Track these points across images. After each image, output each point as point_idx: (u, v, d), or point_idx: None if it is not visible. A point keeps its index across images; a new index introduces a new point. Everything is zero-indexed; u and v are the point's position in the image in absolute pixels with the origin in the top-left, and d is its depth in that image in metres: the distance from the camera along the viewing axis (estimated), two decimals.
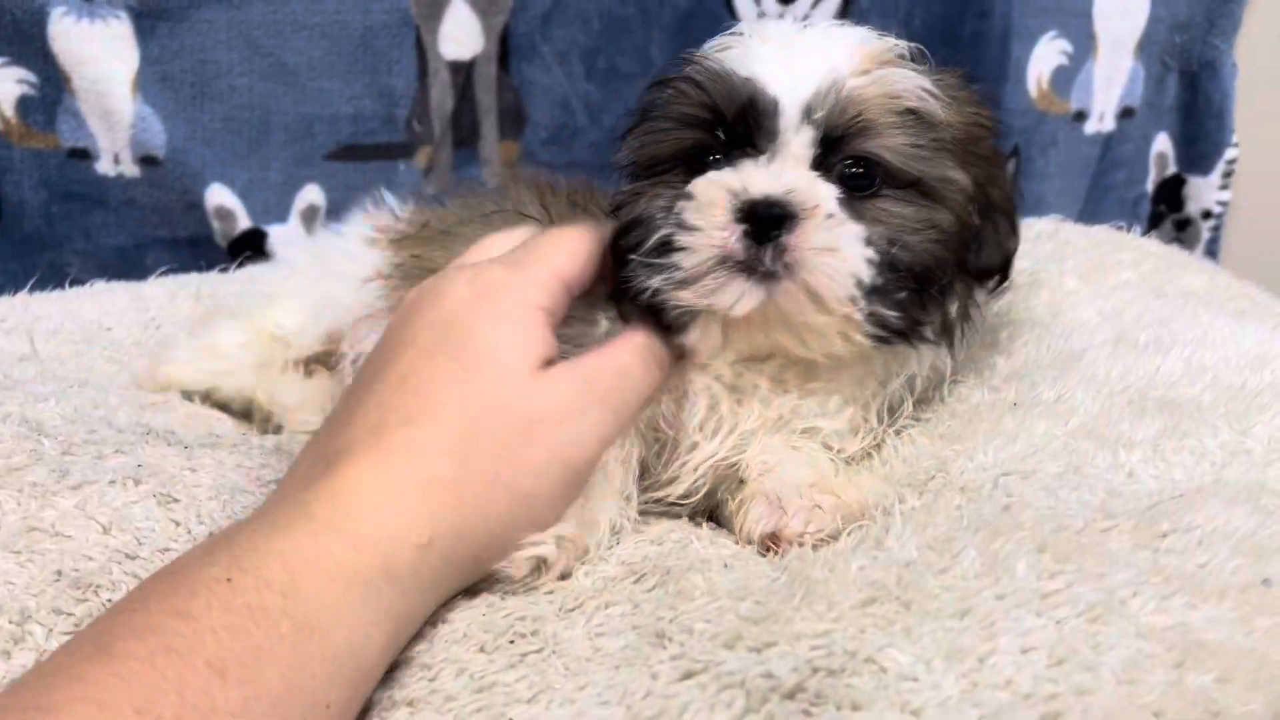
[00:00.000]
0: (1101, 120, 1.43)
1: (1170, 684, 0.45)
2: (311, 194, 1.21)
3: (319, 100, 1.17)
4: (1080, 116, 1.41)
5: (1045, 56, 1.36)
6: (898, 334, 0.64)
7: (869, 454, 0.68)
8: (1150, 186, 1.50)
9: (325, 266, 0.90)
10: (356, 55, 1.16)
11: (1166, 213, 1.52)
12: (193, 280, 1.03)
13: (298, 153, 1.19)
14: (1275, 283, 1.53)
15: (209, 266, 1.14)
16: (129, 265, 1.15)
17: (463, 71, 1.21)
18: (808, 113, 0.63)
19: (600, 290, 0.67)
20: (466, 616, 0.54)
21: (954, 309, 0.68)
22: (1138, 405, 0.66)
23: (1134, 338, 0.75)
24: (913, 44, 0.68)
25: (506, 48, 1.21)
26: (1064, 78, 1.38)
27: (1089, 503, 0.57)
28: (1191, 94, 1.45)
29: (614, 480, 0.62)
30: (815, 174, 0.63)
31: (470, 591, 0.56)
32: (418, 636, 0.53)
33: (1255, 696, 0.45)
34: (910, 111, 0.63)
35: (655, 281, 0.63)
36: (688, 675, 0.47)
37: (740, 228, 0.61)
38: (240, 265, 1.14)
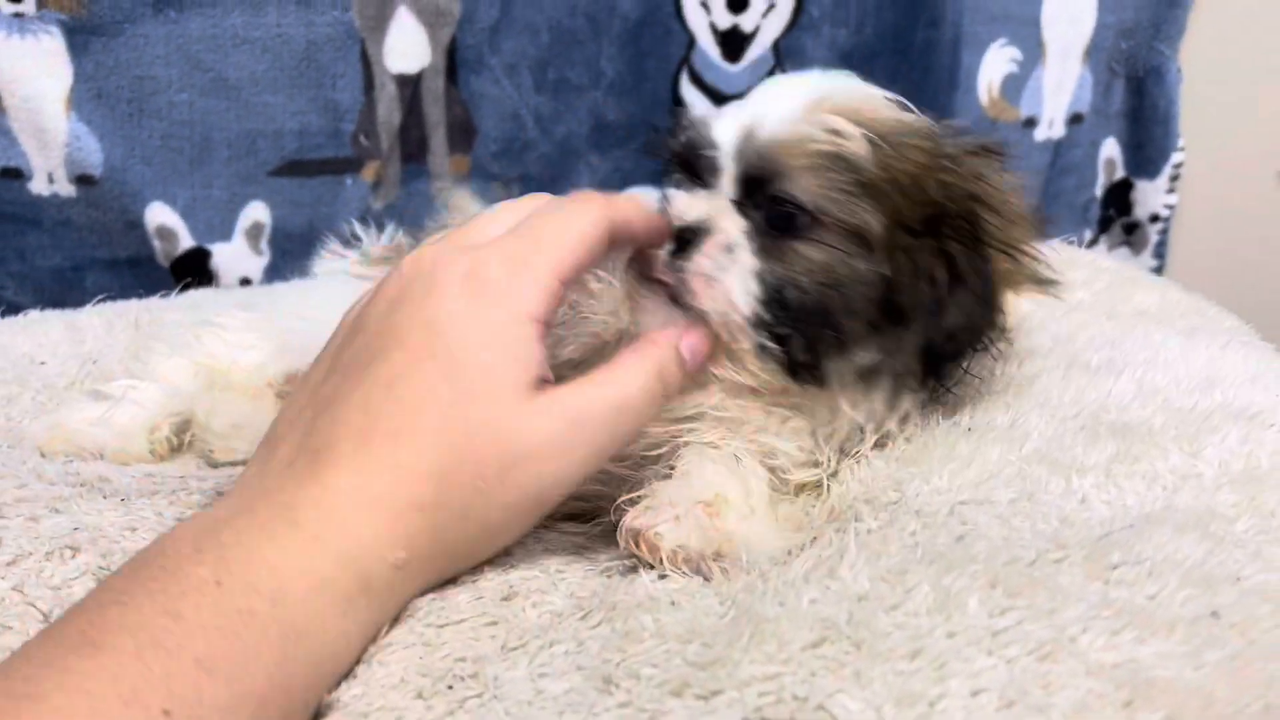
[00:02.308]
0: (1051, 127, 1.44)
1: None
2: (256, 211, 1.19)
3: (262, 115, 1.15)
4: (1030, 123, 1.42)
5: (995, 64, 1.37)
6: (792, 372, 0.64)
7: (819, 484, 0.67)
8: (1099, 191, 1.52)
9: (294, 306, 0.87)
10: (300, 69, 1.14)
11: (1115, 217, 1.54)
12: (132, 308, 1.00)
13: (241, 169, 1.16)
14: (1221, 283, 1.55)
15: (151, 288, 1.10)
16: (67, 287, 1.12)
17: (409, 85, 1.19)
18: (737, 155, 0.65)
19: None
20: (403, 658, 0.52)
21: (882, 360, 0.66)
22: (1090, 430, 0.65)
23: (1086, 360, 0.75)
24: (897, 98, 0.68)
25: (454, 60, 1.20)
26: (1014, 85, 1.39)
27: (1042, 532, 0.57)
28: (1138, 99, 1.47)
29: None
30: (731, 207, 0.65)
31: (407, 629, 0.54)
32: (352, 680, 0.51)
33: None
34: (830, 155, 0.63)
35: None
36: None
37: (669, 247, 0.64)
38: (183, 290, 1.11)
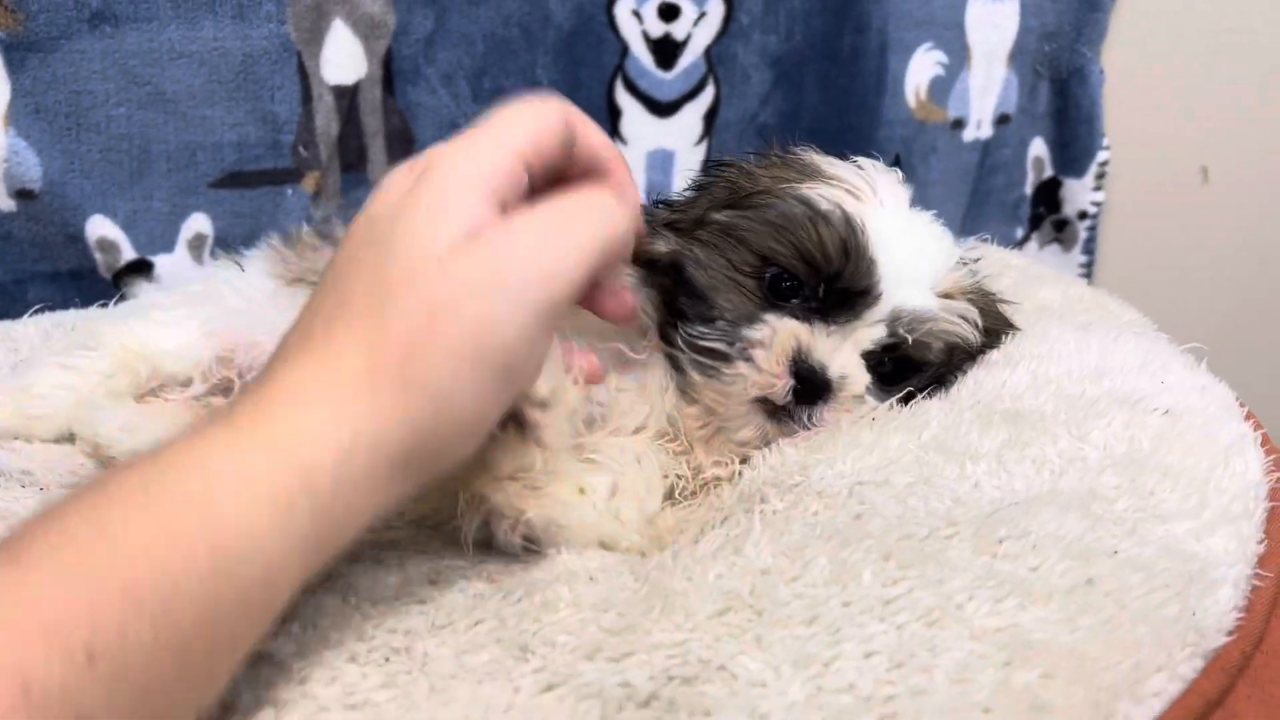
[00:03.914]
0: (979, 127, 1.48)
1: (999, 683, 0.48)
2: (198, 223, 1.19)
3: (201, 128, 1.16)
4: (958, 124, 1.46)
5: (922, 68, 1.41)
6: None
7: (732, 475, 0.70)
8: (1029, 189, 1.56)
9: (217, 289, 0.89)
10: (237, 82, 1.15)
11: (1045, 214, 1.58)
12: (69, 317, 1.01)
13: (181, 182, 1.17)
14: (1149, 276, 1.61)
15: (94, 300, 1.11)
16: (9, 301, 1.12)
17: (347, 96, 1.20)
18: (894, 319, 0.71)
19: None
20: (338, 624, 0.53)
21: None
22: (985, 418, 0.69)
23: (985, 354, 0.79)
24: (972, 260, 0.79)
25: (390, 71, 1.21)
26: (941, 87, 1.43)
27: (935, 510, 0.60)
28: (1063, 100, 1.51)
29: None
30: (862, 362, 0.71)
31: (340, 600, 0.55)
32: (286, 637, 0.51)
33: (1076, 690, 0.48)
34: (960, 336, 0.74)
35: (690, 363, 0.71)
36: (549, 688, 0.49)
37: (792, 381, 0.69)
38: (120, 299, 1.11)
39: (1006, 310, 0.81)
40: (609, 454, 0.66)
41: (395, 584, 0.57)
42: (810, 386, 0.69)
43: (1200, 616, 0.54)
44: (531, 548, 0.61)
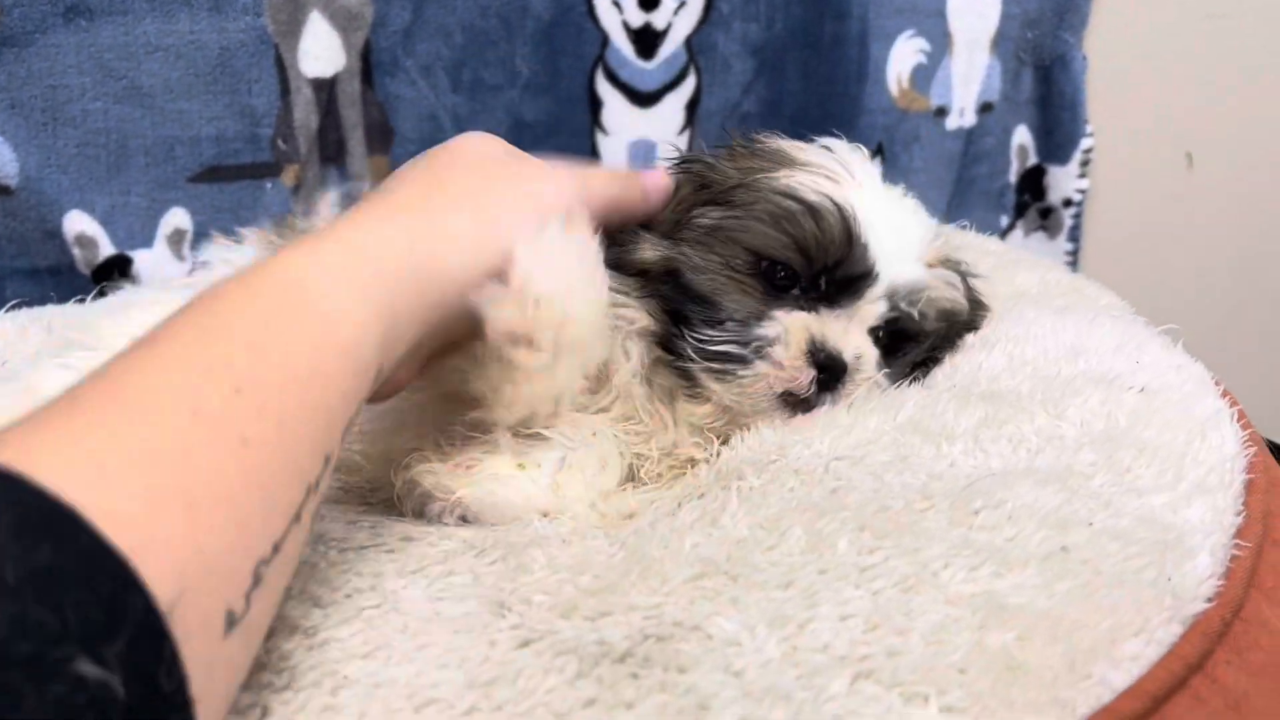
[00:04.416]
0: (962, 115, 1.48)
1: (974, 644, 0.48)
2: (177, 217, 1.19)
3: (179, 122, 1.15)
4: (941, 112, 1.46)
5: (904, 55, 1.41)
6: None
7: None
8: (1013, 177, 1.56)
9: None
10: (215, 75, 1.15)
11: (1030, 202, 1.58)
12: (47, 312, 1.01)
13: (160, 176, 1.16)
14: (1135, 263, 1.61)
15: (72, 296, 1.10)
16: None
17: (325, 88, 1.20)
18: (892, 294, 0.72)
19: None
20: (303, 573, 0.54)
21: None
22: (962, 399, 0.69)
23: (974, 327, 0.80)
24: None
25: (369, 63, 1.21)
26: (923, 75, 1.43)
27: (910, 485, 0.60)
28: (1046, 87, 1.51)
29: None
30: (870, 341, 0.72)
31: (310, 546, 0.56)
32: None
33: (1053, 651, 0.48)
34: (951, 310, 0.76)
35: (703, 370, 0.70)
36: (525, 643, 0.49)
37: (813, 372, 0.69)
38: (99, 294, 1.10)
39: (977, 285, 0.82)
40: (563, 429, 0.66)
41: (365, 537, 0.58)
42: (830, 374, 0.69)
43: (1177, 582, 0.53)
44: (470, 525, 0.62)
